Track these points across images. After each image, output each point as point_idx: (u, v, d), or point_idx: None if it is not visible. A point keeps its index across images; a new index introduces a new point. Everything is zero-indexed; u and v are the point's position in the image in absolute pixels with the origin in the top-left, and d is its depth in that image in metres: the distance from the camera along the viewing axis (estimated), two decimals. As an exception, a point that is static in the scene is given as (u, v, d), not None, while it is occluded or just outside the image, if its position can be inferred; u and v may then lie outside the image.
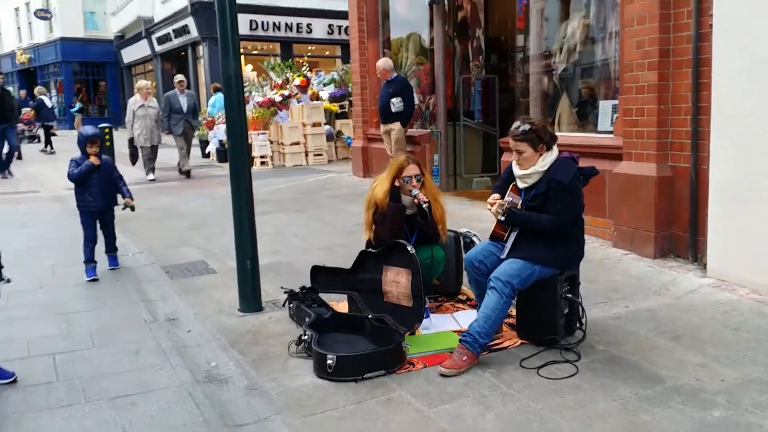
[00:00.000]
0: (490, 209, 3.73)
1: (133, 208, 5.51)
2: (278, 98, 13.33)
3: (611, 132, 6.13)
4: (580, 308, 3.85)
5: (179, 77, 12.36)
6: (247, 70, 20.39)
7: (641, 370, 3.40)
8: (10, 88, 12.21)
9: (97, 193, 5.32)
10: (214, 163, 13.90)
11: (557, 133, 6.92)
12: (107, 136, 9.11)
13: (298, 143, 13.16)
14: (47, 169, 11.99)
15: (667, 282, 4.80)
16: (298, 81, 13.56)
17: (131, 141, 11.64)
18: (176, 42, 24.34)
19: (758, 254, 4.51)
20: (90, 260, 5.34)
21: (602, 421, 2.91)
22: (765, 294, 4.42)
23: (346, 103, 14.34)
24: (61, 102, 34.46)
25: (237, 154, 4.45)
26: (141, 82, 11.94)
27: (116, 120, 32.64)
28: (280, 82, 13.89)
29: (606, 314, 4.22)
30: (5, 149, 12.58)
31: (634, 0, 5.51)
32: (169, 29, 24.35)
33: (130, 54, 30.98)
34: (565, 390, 3.22)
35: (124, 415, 3.08)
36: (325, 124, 13.69)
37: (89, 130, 5.39)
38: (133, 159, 11.86)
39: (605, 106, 6.44)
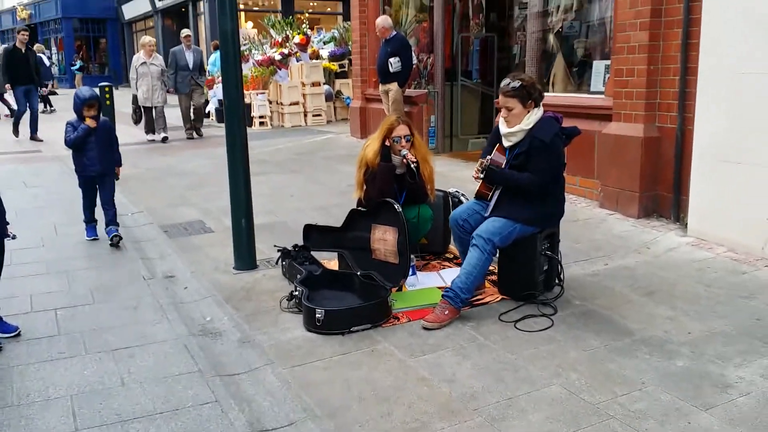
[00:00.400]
0: (474, 176, 3.85)
1: (117, 178, 5.41)
2: (278, 57, 13.30)
3: (603, 93, 6.20)
4: (559, 265, 4.00)
5: (185, 32, 11.99)
6: (248, 27, 20.25)
7: (613, 323, 3.58)
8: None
9: (95, 157, 5.13)
10: (213, 123, 13.95)
11: (551, 94, 7.03)
12: (107, 95, 9.12)
13: (297, 103, 13.19)
14: (47, 128, 12.02)
15: (648, 241, 4.95)
16: (297, 39, 13.51)
17: (134, 99, 11.48)
18: (176, -2, 24.13)
19: (737, 214, 4.64)
20: (90, 220, 5.39)
21: (571, 370, 3.09)
22: (741, 252, 4.57)
23: (346, 62, 14.28)
24: (61, 59, 34.32)
25: (232, 114, 4.55)
26: (145, 38, 11.58)
27: (117, 78, 32.56)
28: (279, 39, 13.84)
29: (585, 271, 4.38)
30: (24, 112, 11.88)
31: (628, -41, 5.52)
32: (169, -15, 24.11)
33: (130, 10, 30.71)
34: (539, 341, 3.40)
35: (123, 366, 3.27)
36: (324, 83, 13.69)
37: (85, 92, 5.16)
38: (137, 118, 11.70)
39: (598, 67, 6.49)
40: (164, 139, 11.29)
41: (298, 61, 13.56)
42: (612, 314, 3.70)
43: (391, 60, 8.82)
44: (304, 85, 13.27)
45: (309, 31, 14.46)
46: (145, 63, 11.06)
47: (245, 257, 4.57)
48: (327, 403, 2.88)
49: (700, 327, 3.50)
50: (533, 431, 2.62)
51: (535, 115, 3.76)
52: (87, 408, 2.88)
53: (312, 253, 4.55)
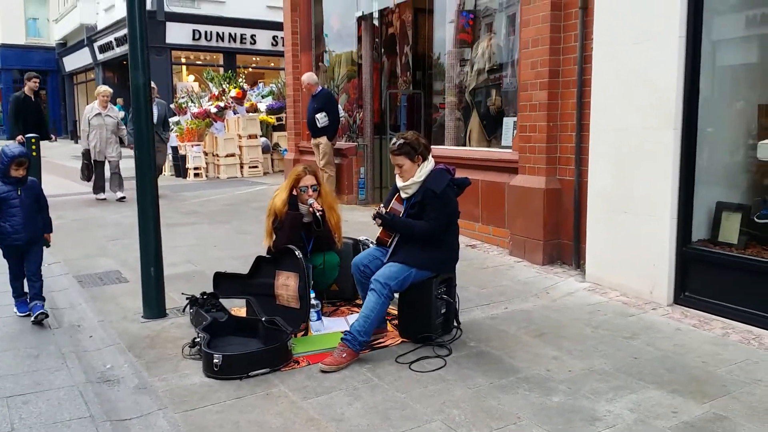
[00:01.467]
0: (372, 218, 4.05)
1: (47, 245, 4.90)
2: (214, 109, 13.47)
3: (511, 147, 6.56)
4: (455, 309, 4.19)
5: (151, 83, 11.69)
6: (189, 81, 20.43)
7: (501, 363, 3.77)
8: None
9: (20, 223, 4.50)
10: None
11: (467, 148, 7.38)
12: (33, 147, 9.06)
13: (233, 155, 13.33)
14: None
15: (548, 286, 5.21)
16: (234, 92, 13.74)
17: (86, 153, 10.32)
18: (118, 51, 24.12)
19: (627, 260, 4.96)
20: (20, 294, 4.78)
21: (454, 407, 3.24)
22: (632, 296, 4.86)
23: (283, 115, 14.56)
24: (-1, 111, 33.67)
25: (143, 164, 4.65)
26: (100, 87, 10.67)
27: (57, 130, 32.07)
28: (216, 93, 14.04)
29: (485, 315, 4.59)
30: None
31: (530, 23, 5.95)
32: (111, 37, 24.13)
33: (72, 62, 30.53)
34: (429, 381, 3.55)
35: (15, 412, 3.27)
36: (261, 136, 13.90)
37: (14, 149, 4.56)
38: (87, 174, 10.46)
39: (508, 123, 6.87)
40: (121, 199, 10.22)
41: (235, 113, 13.76)
42: (502, 354, 3.89)
43: (318, 116, 9.10)
44: (240, 137, 13.44)
45: (245, 86, 14.72)
46: (99, 114, 10.18)
47: (153, 306, 4.61)
48: (214, 445, 2.95)
49: (581, 365, 3.72)
50: (408, 465, 2.75)
51: (426, 168, 4.01)
52: (-32, 455, 2.88)
53: (224, 300, 4.62)
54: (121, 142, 10.48)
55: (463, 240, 6.62)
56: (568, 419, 3.11)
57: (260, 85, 16.35)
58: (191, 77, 21.47)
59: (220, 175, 13.25)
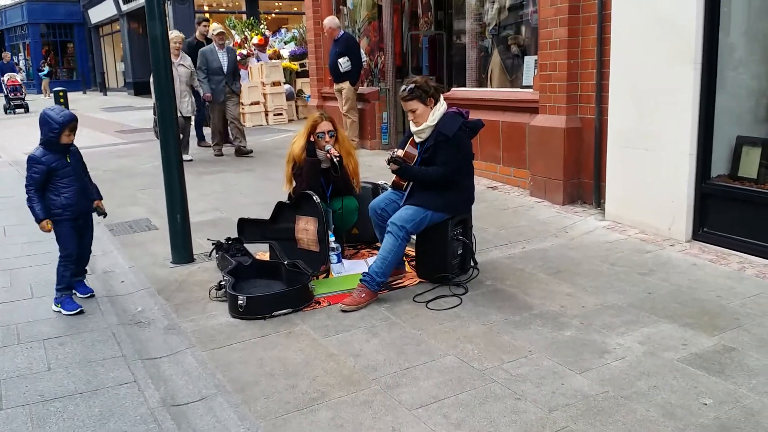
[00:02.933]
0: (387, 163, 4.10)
1: (105, 214, 4.31)
2: (237, 57, 13.44)
3: (532, 87, 6.49)
4: (472, 249, 4.27)
5: (216, 27, 9.81)
6: (212, 28, 20.30)
7: (516, 300, 3.86)
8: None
9: (75, 194, 3.98)
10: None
11: (487, 89, 7.32)
12: (61, 100, 9.22)
13: (257, 103, 13.37)
14: (9, 132, 12.04)
15: (567, 225, 5.24)
16: (255, 39, 13.68)
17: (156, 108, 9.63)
18: (142, 0, 24.10)
19: (646, 197, 4.95)
20: (69, 286, 4.09)
21: (468, 342, 3.36)
22: (650, 233, 4.88)
23: (306, 61, 14.47)
24: (29, 65, 34.08)
25: (166, 115, 4.75)
26: (171, 33, 8.80)
27: (86, 83, 32.44)
28: (239, 40, 14.00)
29: (503, 254, 4.66)
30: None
31: (550, -42, 5.80)
32: (134, -12, 24.10)
33: (97, 14, 30.56)
34: (444, 318, 3.66)
35: (51, 353, 3.48)
36: (285, 83, 13.87)
37: (65, 113, 3.95)
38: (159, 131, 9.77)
39: (529, 62, 6.78)
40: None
41: (258, 61, 13.73)
42: (517, 292, 3.98)
43: (340, 60, 9.05)
44: (264, 84, 13.44)
45: (267, 32, 14.63)
46: (171, 64, 9.81)
47: (181, 251, 4.78)
48: (238, 380, 3.12)
49: (594, 301, 3.79)
50: (421, 395, 2.88)
51: (439, 111, 4.02)
52: (13, 391, 3.09)
53: (249, 245, 4.77)
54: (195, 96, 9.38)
55: (484, 182, 6.67)
56: (578, 352, 3.20)
57: (282, 30, 16.22)
58: (215, 25, 21.32)
59: (245, 123, 13.31)
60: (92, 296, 4.24)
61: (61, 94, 9.42)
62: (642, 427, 2.57)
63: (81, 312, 3.98)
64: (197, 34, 9.84)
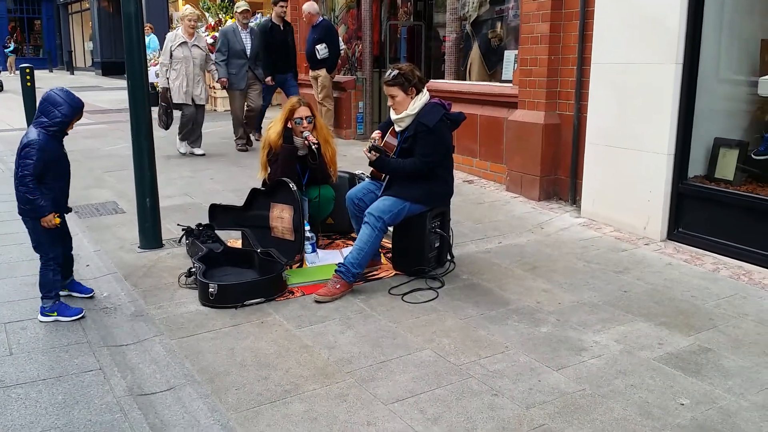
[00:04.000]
0: (364, 152, 4.01)
1: (70, 209, 3.76)
2: (210, 40, 13.15)
3: (512, 81, 6.46)
4: (449, 242, 4.22)
5: (242, 4, 8.66)
6: (184, 10, 19.91)
7: (492, 295, 3.82)
8: None
9: (64, 186, 3.62)
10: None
11: (467, 82, 7.27)
12: (28, 77, 8.92)
13: (230, 87, 13.10)
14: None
15: (543, 221, 5.23)
16: (230, 23, 13.41)
17: (165, 93, 8.00)
18: (112, -21, 23.55)
19: (623, 196, 4.96)
20: (59, 291, 3.64)
21: (444, 336, 3.31)
22: (626, 232, 4.89)
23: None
24: (-7, 41, 33.09)
25: (136, 95, 4.58)
26: (185, 9, 8.53)
27: (52, 60, 31.61)
28: (213, 23, 13.71)
29: (479, 249, 4.62)
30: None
31: (533, -48, 5.76)
32: (104, -35, 23.51)
33: (65, -9, 29.82)
34: (420, 312, 3.61)
35: (13, 337, 3.34)
36: (259, 68, 13.62)
37: (76, 98, 3.51)
38: (166, 120, 8.12)
39: (509, 56, 6.74)
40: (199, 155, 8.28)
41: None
42: (494, 287, 3.94)
43: (318, 47, 8.90)
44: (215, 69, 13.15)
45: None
46: (185, 43, 7.94)
47: (149, 236, 4.64)
48: (208, 370, 3.02)
49: (570, 298, 3.77)
50: (397, 390, 2.82)
51: (420, 101, 3.95)
52: (-30, 377, 2.95)
53: (220, 233, 4.65)
54: None
55: (460, 175, 6.63)
56: (555, 348, 3.17)
57: (258, 15, 15.93)
58: (187, 6, 20.90)
59: (217, 108, 13.09)
60: (92, 297, 3.82)
61: (27, 71, 9.05)
62: (619, 427, 2.55)
63: (83, 317, 3.55)
64: (273, 15, 8.74)
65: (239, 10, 8.62)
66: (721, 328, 3.39)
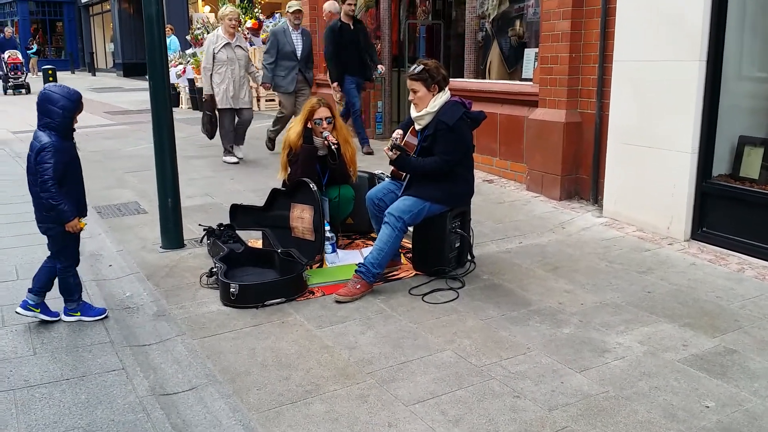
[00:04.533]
0: (385, 151, 4.00)
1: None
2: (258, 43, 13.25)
3: (532, 80, 6.41)
4: (470, 242, 4.20)
5: (294, 4, 8.15)
6: (205, 12, 20.06)
7: (514, 295, 3.79)
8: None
9: (82, 188, 3.55)
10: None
11: (486, 80, 7.23)
12: (51, 79, 9.04)
13: (249, 88, 13.16)
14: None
15: (564, 221, 5.18)
16: (249, 23, 13.49)
17: (210, 100, 7.51)
18: (133, -19, 23.78)
19: (646, 195, 4.90)
20: (80, 295, 3.62)
21: (465, 337, 3.29)
22: (649, 232, 4.83)
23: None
24: (17, 43, 33.54)
25: (158, 96, 4.62)
26: (225, 9, 7.90)
27: (74, 62, 32.01)
28: (250, 24, 13.79)
29: (500, 249, 4.60)
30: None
31: (554, -51, 5.71)
32: (126, -34, 23.75)
33: (87, -7, 30.18)
34: (441, 312, 3.59)
35: (36, 337, 3.38)
36: (278, 68, 13.64)
37: (72, 90, 3.42)
38: (211, 128, 7.67)
39: (529, 54, 6.70)
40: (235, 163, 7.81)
41: (251, 45, 13.53)
42: (515, 287, 3.91)
43: (336, 46, 8.85)
44: (257, 69, 13.22)
45: (261, 16, 14.43)
46: (228, 45, 7.47)
47: (171, 236, 4.67)
48: (230, 370, 3.03)
49: (593, 298, 3.74)
50: (418, 391, 2.81)
51: (441, 99, 3.93)
52: (-4, 375, 2.99)
53: (241, 233, 4.67)
54: None
55: (480, 175, 6.59)
56: (577, 350, 3.14)
57: (276, 15, 16.00)
58: (207, 8, 21.05)
59: (259, 108, 13.15)
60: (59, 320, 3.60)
61: (50, 72, 9.20)
62: (644, 429, 2.52)
63: (107, 317, 3.57)
64: (342, 15, 8.05)
65: (291, 10, 8.13)
66: (746, 330, 3.33)
